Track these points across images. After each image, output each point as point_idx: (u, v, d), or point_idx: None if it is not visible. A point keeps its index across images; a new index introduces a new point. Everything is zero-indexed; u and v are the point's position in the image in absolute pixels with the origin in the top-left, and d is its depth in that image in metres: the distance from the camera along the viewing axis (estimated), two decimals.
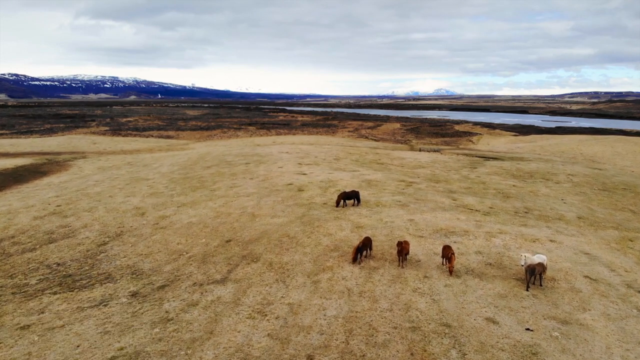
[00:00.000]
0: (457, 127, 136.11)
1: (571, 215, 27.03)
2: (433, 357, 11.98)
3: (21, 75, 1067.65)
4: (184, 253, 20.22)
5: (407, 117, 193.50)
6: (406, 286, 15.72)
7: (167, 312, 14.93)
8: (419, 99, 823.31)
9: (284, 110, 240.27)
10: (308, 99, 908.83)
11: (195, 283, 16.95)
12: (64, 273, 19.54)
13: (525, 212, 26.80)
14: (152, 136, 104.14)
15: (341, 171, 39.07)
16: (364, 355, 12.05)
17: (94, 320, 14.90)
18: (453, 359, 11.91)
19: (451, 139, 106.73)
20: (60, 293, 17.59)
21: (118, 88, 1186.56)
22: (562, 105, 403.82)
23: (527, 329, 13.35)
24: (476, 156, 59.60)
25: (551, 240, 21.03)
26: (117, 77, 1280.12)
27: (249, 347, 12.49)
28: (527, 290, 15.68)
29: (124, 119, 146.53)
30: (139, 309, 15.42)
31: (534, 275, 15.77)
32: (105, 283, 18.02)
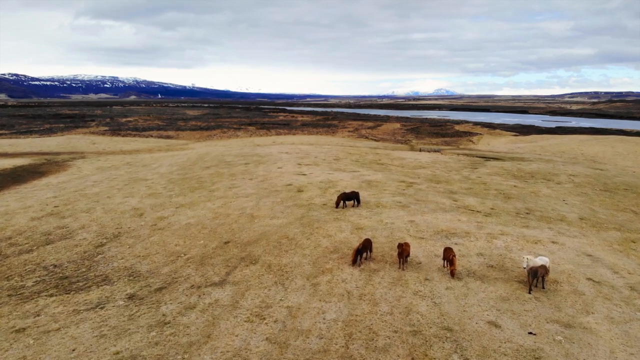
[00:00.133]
0: (457, 127, 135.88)
1: (573, 216, 26.81)
2: None
3: (21, 75, 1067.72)
4: (182, 255, 20.00)
5: (407, 117, 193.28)
6: (407, 289, 15.50)
7: (164, 315, 14.71)
8: (419, 99, 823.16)
9: (284, 110, 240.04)
10: (308, 99, 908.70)
11: (193, 285, 16.73)
12: (61, 275, 19.33)
13: (527, 213, 26.58)
14: (152, 136, 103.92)
15: (341, 172, 38.84)
16: None
17: (90, 324, 14.69)
18: None
19: (451, 139, 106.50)
20: (56, 295, 17.38)
21: (118, 88, 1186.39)
22: (562, 105, 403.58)
23: (530, 333, 13.12)
24: (477, 156, 59.37)
25: (553, 242, 20.80)
26: (117, 77, 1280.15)
27: (246, 352, 12.27)
28: (530, 293, 15.45)
29: (124, 119, 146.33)
30: (136, 311, 15.20)
31: (536, 277, 15.55)
32: (102, 285, 17.81)
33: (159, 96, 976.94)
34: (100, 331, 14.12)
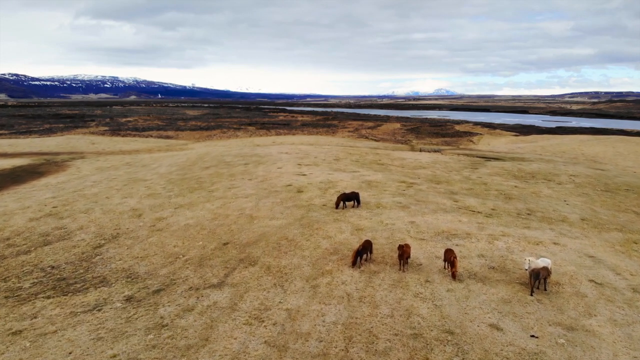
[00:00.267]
0: (457, 127, 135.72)
1: (574, 217, 26.64)
2: None
3: (21, 75, 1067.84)
4: (181, 256, 19.84)
5: (408, 117, 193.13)
6: (407, 291, 15.33)
7: (162, 317, 14.55)
8: (419, 99, 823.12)
9: (284, 110, 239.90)
10: (308, 99, 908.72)
11: (191, 287, 16.56)
12: (58, 276, 19.17)
13: (528, 214, 26.41)
14: (152, 136, 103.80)
15: (341, 172, 38.67)
16: None
17: (87, 326, 14.52)
18: None
19: (452, 139, 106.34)
20: (53, 297, 17.22)
21: (118, 88, 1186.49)
22: (562, 105, 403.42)
23: (532, 336, 12.96)
24: (477, 156, 59.19)
25: (555, 243, 20.63)
26: (117, 77, 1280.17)
27: (245, 355, 12.11)
28: (532, 295, 15.28)
29: (124, 119, 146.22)
30: (134, 314, 15.04)
31: (538, 279, 15.39)
32: (99, 287, 17.65)
33: (159, 96, 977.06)
34: (97, 334, 13.96)
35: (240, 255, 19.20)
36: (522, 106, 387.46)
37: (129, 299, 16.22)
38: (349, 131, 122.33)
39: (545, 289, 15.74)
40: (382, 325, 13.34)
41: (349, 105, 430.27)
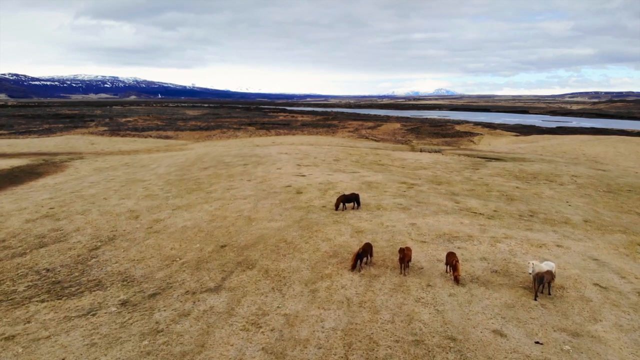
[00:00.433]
0: (457, 127, 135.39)
1: (577, 218, 26.30)
2: None
3: (21, 75, 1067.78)
4: (177, 259, 19.50)
5: (408, 117, 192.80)
6: (408, 296, 14.99)
7: (157, 322, 14.21)
8: (419, 99, 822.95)
9: (284, 110, 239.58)
10: (308, 99, 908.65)
11: (187, 291, 16.22)
12: (53, 279, 18.83)
13: (530, 216, 26.07)
14: (151, 136, 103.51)
15: (341, 172, 38.33)
16: None
17: (80, 331, 14.19)
18: None
19: (452, 139, 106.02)
20: (48, 301, 16.89)
21: (118, 88, 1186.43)
22: (562, 105, 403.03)
23: (537, 342, 12.63)
24: (478, 157, 58.86)
25: (558, 246, 20.30)
26: (117, 77, 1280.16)
27: None
28: (536, 299, 14.95)
29: (123, 119, 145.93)
30: (128, 319, 14.71)
31: (542, 283, 15.05)
32: (94, 290, 17.30)
33: (159, 96, 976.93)
34: (91, 339, 13.64)
35: (238, 258, 18.86)
36: (522, 106, 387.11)
37: (124, 303, 15.89)
38: (349, 131, 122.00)
39: (549, 294, 15.41)
40: (383, 331, 13.00)
41: (349, 105, 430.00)
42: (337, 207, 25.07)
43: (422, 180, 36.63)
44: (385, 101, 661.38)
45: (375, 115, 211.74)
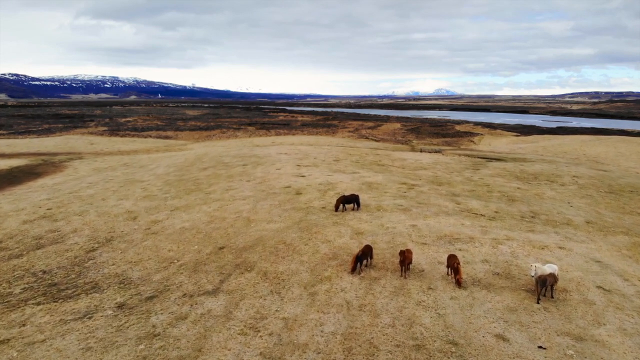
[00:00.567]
0: (457, 127, 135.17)
1: (579, 219, 26.06)
2: None
3: (21, 75, 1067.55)
4: (175, 261, 19.27)
5: (408, 117, 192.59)
6: (409, 299, 14.75)
7: (154, 326, 13.99)
8: (419, 99, 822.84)
9: (284, 110, 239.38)
10: (308, 99, 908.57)
11: (185, 294, 16.00)
12: (50, 282, 18.62)
13: (532, 217, 25.83)
14: (151, 136, 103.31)
15: (341, 173, 38.09)
16: None
17: (76, 335, 13.97)
18: None
19: (452, 139, 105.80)
20: (44, 304, 16.67)
21: (118, 88, 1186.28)
22: (562, 105, 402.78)
23: (540, 347, 12.39)
24: (478, 157, 58.63)
25: (560, 247, 20.06)
26: (117, 77, 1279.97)
27: None
28: (538, 302, 14.71)
29: (123, 119, 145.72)
30: (125, 322, 14.48)
31: (545, 287, 14.82)
32: (91, 293, 17.08)
33: (159, 96, 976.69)
34: (86, 343, 13.42)
35: (236, 261, 18.63)
36: (523, 106, 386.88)
37: (120, 306, 15.66)
38: (349, 131, 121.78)
39: (552, 296, 15.18)
40: (383, 335, 12.77)
41: (349, 105, 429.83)
42: (336, 208, 24.84)
43: (422, 181, 36.40)
44: (385, 101, 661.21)
45: (375, 115, 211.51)
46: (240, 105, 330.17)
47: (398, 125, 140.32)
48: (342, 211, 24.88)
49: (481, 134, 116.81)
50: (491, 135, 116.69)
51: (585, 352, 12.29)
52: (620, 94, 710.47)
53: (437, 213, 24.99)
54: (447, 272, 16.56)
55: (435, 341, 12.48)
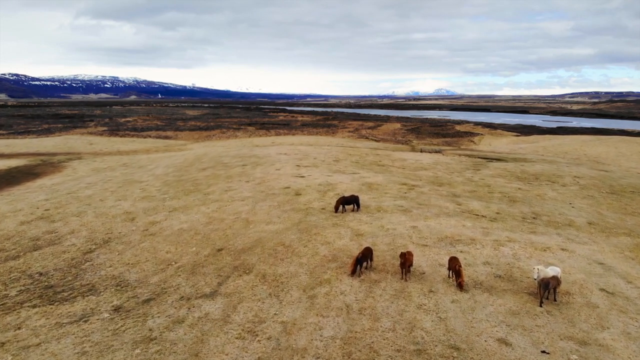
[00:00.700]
0: (458, 127, 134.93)
1: (581, 220, 25.83)
2: None
3: (21, 75, 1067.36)
4: (173, 263, 19.04)
5: (408, 117, 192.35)
6: (410, 302, 14.52)
7: (150, 330, 13.76)
8: (419, 99, 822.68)
9: (284, 110, 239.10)
10: (308, 99, 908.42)
11: (182, 297, 15.77)
12: (46, 284, 18.39)
13: (534, 218, 25.60)
14: (150, 136, 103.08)
15: (340, 173, 37.86)
16: None
17: (72, 339, 13.75)
18: None
19: (452, 139, 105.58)
20: (39, 306, 16.44)
21: (118, 88, 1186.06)
22: (562, 105, 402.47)
23: (543, 352, 12.17)
24: (478, 157, 58.40)
25: (563, 249, 19.83)
26: (117, 77, 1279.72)
27: None
28: (541, 306, 14.49)
29: (123, 119, 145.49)
30: (121, 325, 14.26)
31: (547, 289, 14.60)
32: (87, 295, 16.86)
33: (159, 96, 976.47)
34: (82, 347, 13.19)
35: (234, 263, 18.40)
36: (523, 106, 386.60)
37: (117, 309, 15.44)
38: (349, 131, 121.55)
39: (555, 300, 14.96)
40: (384, 340, 12.54)
41: (349, 105, 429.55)
42: (336, 209, 24.60)
43: (423, 182, 36.17)
44: (385, 101, 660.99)
45: (375, 115, 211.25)
46: (240, 105, 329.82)
47: (398, 125, 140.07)
48: (342, 212, 24.65)
49: (481, 134, 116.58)
50: (491, 135, 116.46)
51: (589, 357, 12.08)
52: (620, 94, 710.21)
53: (437, 214, 24.76)
54: (449, 275, 16.34)
55: (436, 346, 12.26)
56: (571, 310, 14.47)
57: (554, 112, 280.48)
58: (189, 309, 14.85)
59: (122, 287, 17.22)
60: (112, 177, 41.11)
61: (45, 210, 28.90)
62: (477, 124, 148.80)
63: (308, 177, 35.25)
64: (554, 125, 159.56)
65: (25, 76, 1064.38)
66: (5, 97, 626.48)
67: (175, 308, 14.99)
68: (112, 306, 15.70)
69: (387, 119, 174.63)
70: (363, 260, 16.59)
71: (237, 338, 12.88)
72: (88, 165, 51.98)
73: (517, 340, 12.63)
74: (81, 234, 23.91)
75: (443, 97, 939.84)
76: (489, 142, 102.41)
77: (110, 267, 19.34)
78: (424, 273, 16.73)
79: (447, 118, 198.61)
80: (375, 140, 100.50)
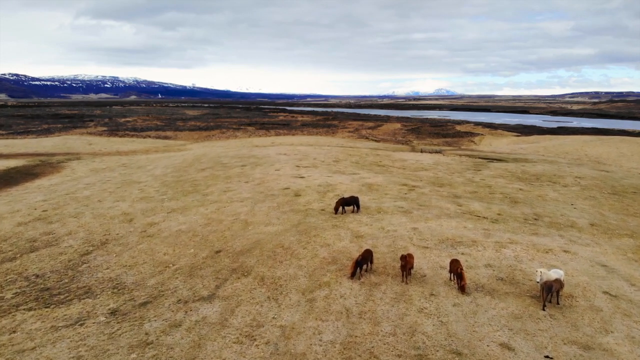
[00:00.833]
0: (458, 127, 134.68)
1: (583, 221, 25.60)
2: None
3: (21, 75, 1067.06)
4: (170, 265, 18.81)
5: (408, 117, 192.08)
6: (411, 306, 14.29)
7: (147, 334, 13.54)
8: (419, 99, 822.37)
9: (284, 110, 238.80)
10: (308, 99, 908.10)
11: (179, 300, 15.54)
12: (42, 286, 18.17)
13: (535, 219, 25.36)
14: (150, 137, 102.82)
15: (340, 174, 37.63)
16: None
17: (67, 343, 13.53)
18: None
19: (452, 140, 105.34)
20: (35, 309, 16.22)
21: (118, 88, 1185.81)
22: (563, 105, 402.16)
23: (547, 357, 11.94)
24: (479, 157, 58.17)
25: (565, 251, 19.60)
26: (117, 77, 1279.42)
27: None
28: (544, 309, 14.26)
29: (123, 119, 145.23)
30: (117, 329, 14.04)
31: (550, 293, 14.36)
32: (84, 298, 16.64)
33: (159, 96, 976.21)
34: (77, 352, 12.98)
35: (233, 265, 18.17)
36: (523, 106, 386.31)
37: (113, 312, 15.22)
38: (349, 131, 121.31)
39: (557, 303, 14.73)
40: (384, 344, 12.31)
41: (349, 105, 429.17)
42: (336, 210, 24.37)
43: (423, 182, 35.93)
44: (385, 101, 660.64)
45: (375, 115, 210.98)
46: (240, 106, 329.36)
47: (398, 125, 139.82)
48: (342, 213, 24.42)
49: (482, 134, 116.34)
50: (492, 135, 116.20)
51: None
52: (620, 94, 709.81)
53: (438, 215, 24.53)
54: (450, 278, 16.11)
55: (437, 351, 12.03)
56: (574, 314, 14.24)
57: (554, 112, 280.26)
58: (186, 312, 14.62)
59: (118, 290, 17.00)
60: (110, 177, 40.88)
61: (43, 211, 28.68)
62: (477, 124, 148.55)
63: (308, 178, 35.02)
64: (555, 125, 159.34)
65: (25, 76, 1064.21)
66: (5, 97, 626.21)
67: (172, 311, 14.77)
68: (109, 309, 15.48)
69: (387, 119, 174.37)
70: (363, 262, 16.36)
71: (234, 342, 12.66)
72: (87, 166, 51.73)
73: (519, 344, 12.40)
74: (78, 235, 23.69)
75: (443, 97, 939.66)
76: (489, 142, 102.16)
77: (107, 269, 19.12)
78: (425, 276, 16.50)
79: (447, 118, 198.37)
80: (376, 141, 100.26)
